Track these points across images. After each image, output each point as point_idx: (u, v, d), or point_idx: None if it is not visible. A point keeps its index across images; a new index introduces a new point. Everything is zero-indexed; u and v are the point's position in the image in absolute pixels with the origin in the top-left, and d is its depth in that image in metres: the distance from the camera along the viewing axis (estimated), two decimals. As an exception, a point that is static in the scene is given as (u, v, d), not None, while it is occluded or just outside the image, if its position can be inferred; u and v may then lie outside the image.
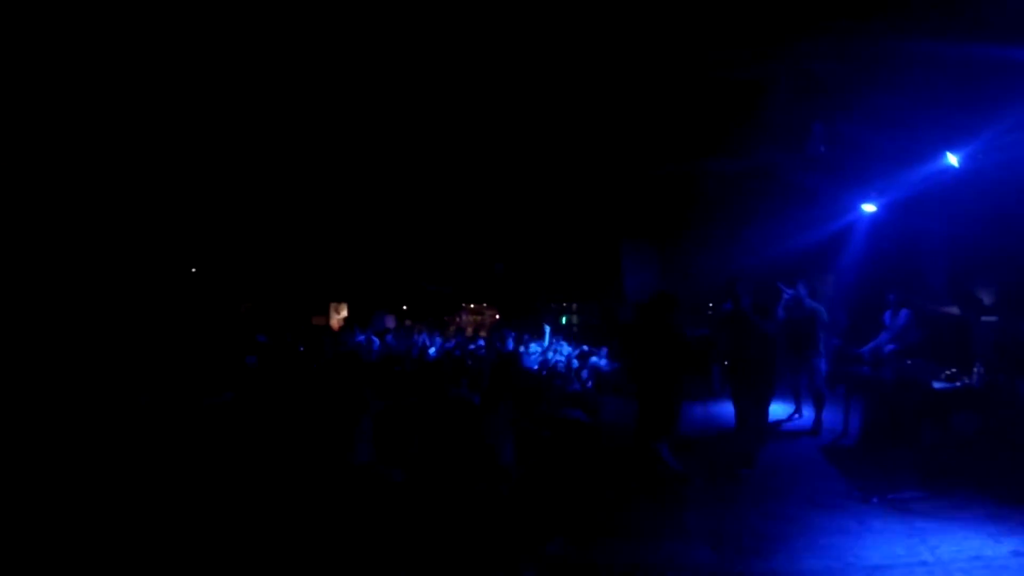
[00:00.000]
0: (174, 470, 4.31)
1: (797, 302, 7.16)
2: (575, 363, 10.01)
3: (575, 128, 9.97)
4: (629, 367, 6.33)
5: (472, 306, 25.21)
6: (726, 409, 7.10)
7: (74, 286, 10.18)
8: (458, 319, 23.40)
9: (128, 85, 8.27)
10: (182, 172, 10.65)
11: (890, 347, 7.38)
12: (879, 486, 4.91)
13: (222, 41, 7.73)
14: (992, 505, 4.41)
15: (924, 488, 4.79)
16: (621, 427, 7.56)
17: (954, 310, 8.31)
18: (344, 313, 19.64)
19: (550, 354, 10.20)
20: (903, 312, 7.59)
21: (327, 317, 19.16)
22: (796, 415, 7.71)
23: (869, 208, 8.80)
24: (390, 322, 18.60)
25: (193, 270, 14.94)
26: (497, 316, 23.52)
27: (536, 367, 8.60)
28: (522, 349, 9.99)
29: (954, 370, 6.12)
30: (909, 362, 6.93)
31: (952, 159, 6.78)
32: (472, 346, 10.68)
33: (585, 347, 10.98)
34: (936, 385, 5.95)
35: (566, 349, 10.92)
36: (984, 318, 7.88)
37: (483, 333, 15.27)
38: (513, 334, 11.16)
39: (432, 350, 10.00)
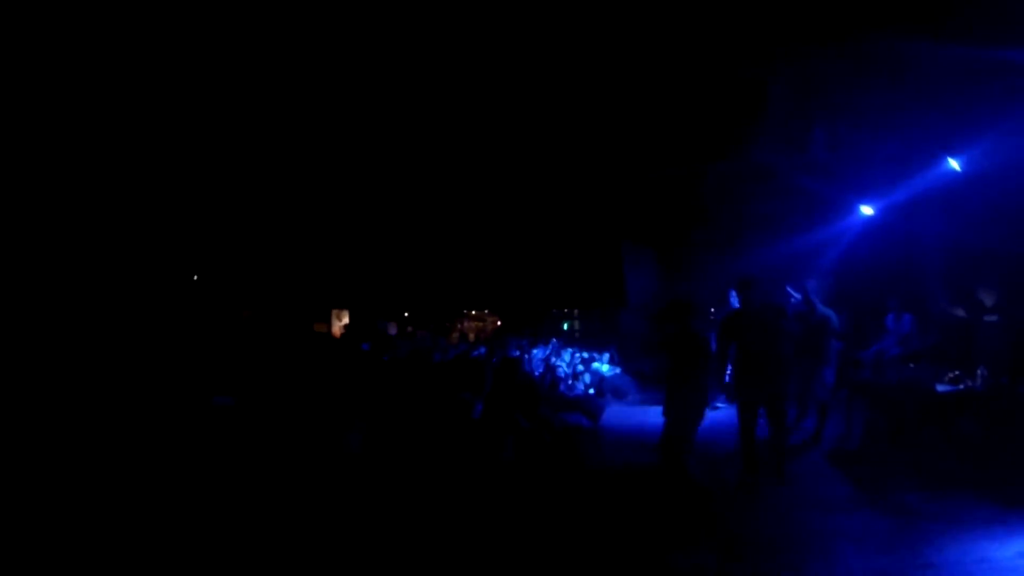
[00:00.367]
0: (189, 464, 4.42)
1: (810, 308, 6.58)
2: (579, 368, 10.01)
3: (574, 134, 10.01)
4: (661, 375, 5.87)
5: (474, 313, 25.17)
6: (724, 413, 7.10)
7: (75, 294, 10.19)
8: (460, 325, 23.36)
9: (128, 97, 8.31)
10: (183, 180, 10.68)
11: (893, 352, 7.34)
12: (883, 489, 4.89)
13: (223, 53, 7.77)
14: (997, 507, 4.39)
15: (929, 491, 4.77)
16: (622, 432, 7.56)
17: (959, 311, 8.26)
18: (345, 320, 19.64)
19: (552, 359, 10.18)
20: (906, 317, 7.57)
21: (328, 324, 19.16)
22: (799, 422, 7.61)
23: (867, 210, 8.79)
24: (392, 329, 18.58)
25: (195, 277, 14.95)
26: (499, 323, 23.49)
27: (538, 372, 8.59)
28: (524, 355, 9.98)
29: (957, 373, 6.10)
30: (912, 366, 6.91)
31: (953, 163, 6.79)
32: (475, 353, 10.67)
33: (587, 353, 10.98)
34: (939, 388, 5.93)
35: (568, 354, 10.91)
36: (986, 318, 7.86)
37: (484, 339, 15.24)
38: (515, 340, 11.15)
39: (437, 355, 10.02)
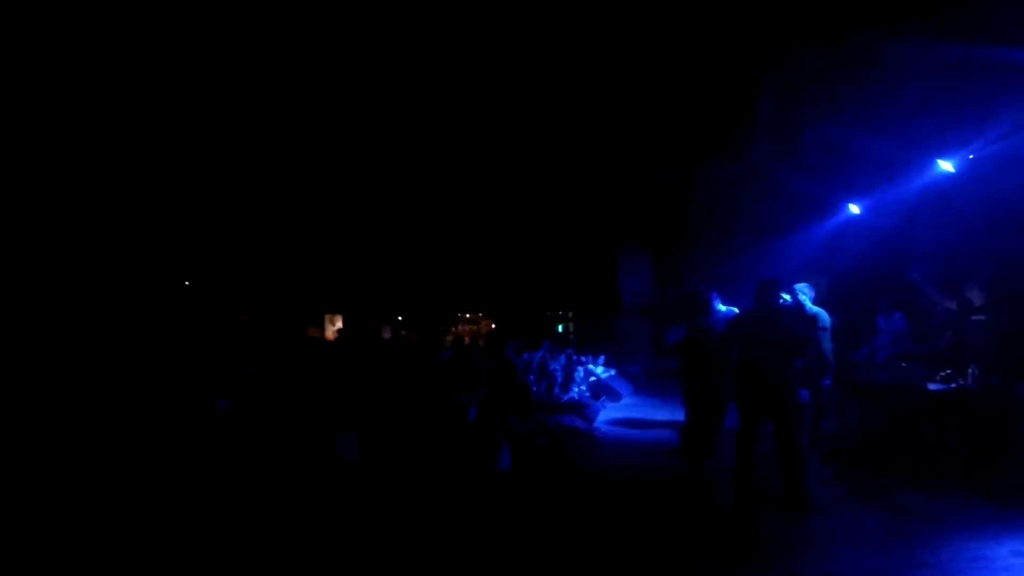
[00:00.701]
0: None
1: (799, 309, 6.18)
2: (578, 370, 10.02)
3: (568, 138, 10.03)
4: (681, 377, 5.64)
5: (468, 316, 25.15)
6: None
7: (72, 297, 10.13)
8: (454, 329, 23.34)
9: (125, 100, 8.27)
10: (178, 186, 10.64)
11: (884, 352, 7.37)
12: (877, 489, 4.90)
13: (221, 56, 7.75)
14: (990, 506, 4.41)
15: (922, 490, 4.79)
16: (617, 434, 7.56)
17: (951, 305, 8.27)
18: (339, 324, 19.61)
19: (547, 362, 10.18)
20: (897, 315, 7.60)
21: (322, 329, 19.13)
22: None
23: (855, 209, 8.82)
24: (385, 333, 18.55)
25: (187, 283, 14.89)
26: (493, 325, 23.47)
27: (533, 376, 8.59)
28: (518, 359, 9.98)
29: (948, 371, 6.12)
30: (904, 365, 6.94)
31: (946, 164, 6.82)
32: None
33: (582, 355, 10.98)
34: (931, 387, 5.96)
35: (563, 357, 10.91)
36: (975, 317, 7.90)
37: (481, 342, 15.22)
38: (510, 343, 11.14)
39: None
